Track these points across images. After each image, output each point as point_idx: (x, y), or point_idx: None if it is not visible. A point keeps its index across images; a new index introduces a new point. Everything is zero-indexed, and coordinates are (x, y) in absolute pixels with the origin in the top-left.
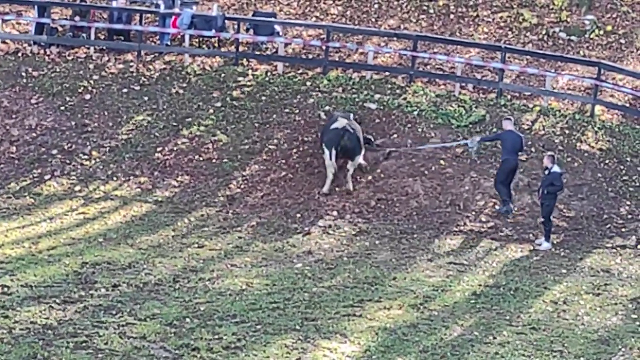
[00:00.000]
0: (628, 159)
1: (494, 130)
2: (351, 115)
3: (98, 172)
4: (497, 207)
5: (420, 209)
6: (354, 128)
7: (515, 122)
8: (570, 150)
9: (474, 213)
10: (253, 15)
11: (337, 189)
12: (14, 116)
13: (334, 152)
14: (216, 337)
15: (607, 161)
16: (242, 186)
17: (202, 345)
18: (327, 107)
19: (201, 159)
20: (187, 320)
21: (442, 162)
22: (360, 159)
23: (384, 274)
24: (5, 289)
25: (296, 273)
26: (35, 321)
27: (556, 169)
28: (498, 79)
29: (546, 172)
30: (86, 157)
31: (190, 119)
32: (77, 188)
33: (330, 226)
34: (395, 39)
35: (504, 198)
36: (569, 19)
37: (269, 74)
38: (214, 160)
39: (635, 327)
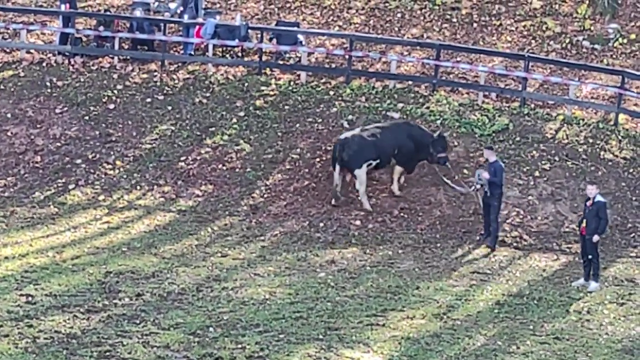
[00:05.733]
0: None
1: (517, 139)
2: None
3: (122, 181)
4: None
5: (444, 218)
6: (354, 139)
7: (539, 131)
8: (593, 159)
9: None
10: (276, 25)
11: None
12: (38, 126)
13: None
14: (239, 346)
15: (631, 170)
16: (265, 195)
17: (225, 354)
18: (349, 117)
19: (224, 168)
20: (211, 329)
21: (465, 171)
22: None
23: (407, 283)
24: (30, 298)
25: (319, 282)
26: (60, 330)
27: (600, 197)
28: (521, 87)
29: (588, 202)
30: (110, 166)
31: (213, 129)
32: (101, 197)
33: (353, 235)
34: (418, 48)
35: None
36: (592, 28)
37: (292, 83)
38: (237, 170)
39: None
